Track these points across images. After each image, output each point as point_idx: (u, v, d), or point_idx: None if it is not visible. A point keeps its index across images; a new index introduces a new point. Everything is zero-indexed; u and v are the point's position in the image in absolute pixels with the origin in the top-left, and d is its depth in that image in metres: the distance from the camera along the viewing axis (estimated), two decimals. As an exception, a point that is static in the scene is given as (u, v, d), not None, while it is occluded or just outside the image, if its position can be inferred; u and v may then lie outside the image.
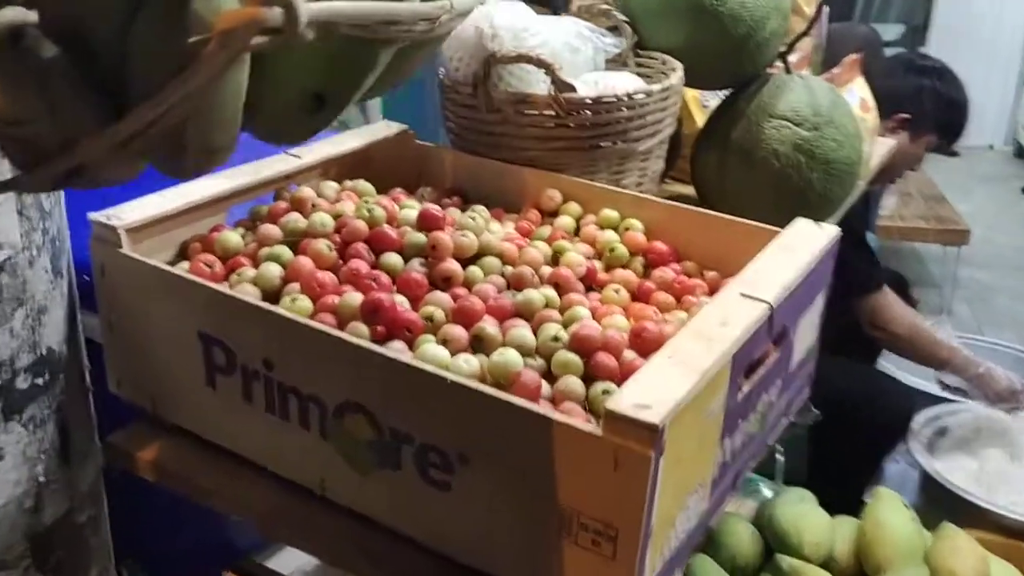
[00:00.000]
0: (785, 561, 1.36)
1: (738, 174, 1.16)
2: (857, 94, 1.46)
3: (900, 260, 4.00)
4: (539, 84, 1.00)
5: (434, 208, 0.82)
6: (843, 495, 1.95)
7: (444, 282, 0.78)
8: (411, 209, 0.84)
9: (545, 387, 0.66)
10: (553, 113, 0.97)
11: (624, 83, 1.04)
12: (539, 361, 0.68)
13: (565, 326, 0.74)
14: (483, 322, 0.71)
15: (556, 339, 0.69)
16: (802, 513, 1.46)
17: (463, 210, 1.00)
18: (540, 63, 0.95)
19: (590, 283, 0.86)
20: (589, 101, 0.97)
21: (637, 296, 0.86)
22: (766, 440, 0.82)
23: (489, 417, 0.60)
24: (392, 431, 0.65)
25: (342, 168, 1.01)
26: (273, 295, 0.75)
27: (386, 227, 0.80)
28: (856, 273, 2.06)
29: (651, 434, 0.55)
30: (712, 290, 0.88)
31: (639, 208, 0.94)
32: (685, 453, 0.61)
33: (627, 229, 0.93)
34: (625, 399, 0.57)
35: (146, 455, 0.78)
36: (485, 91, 0.98)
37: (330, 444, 0.69)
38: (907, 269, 4.01)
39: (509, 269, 0.82)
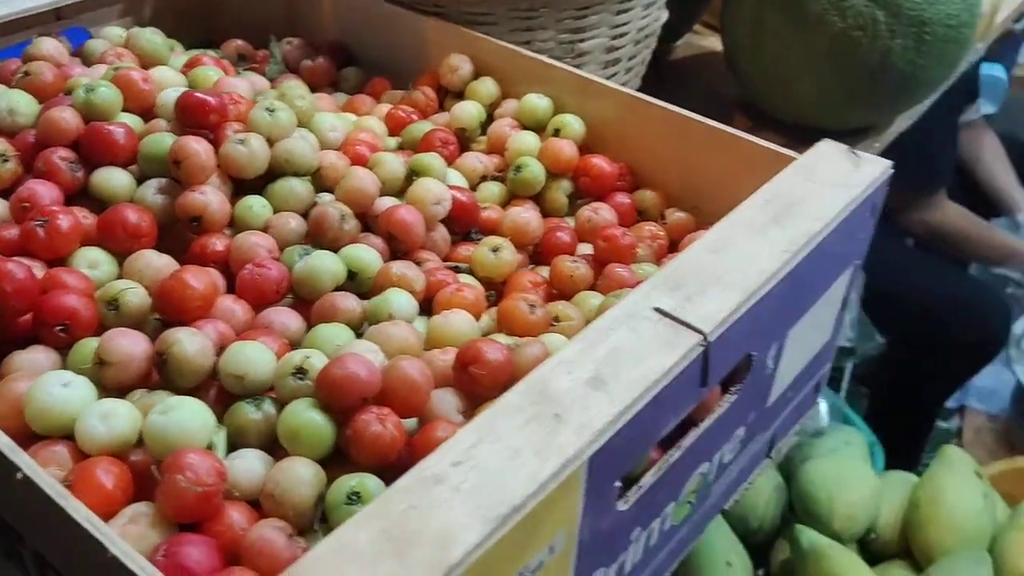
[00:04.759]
0: (805, 535, 1.07)
1: (781, 35, 0.78)
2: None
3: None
4: None
5: (209, 92, 0.50)
6: (916, 419, 1.63)
7: (190, 224, 0.47)
8: (183, 88, 0.52)
9: (250, 476, 0.35)
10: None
11: None
12: (261, 414, 0.38)
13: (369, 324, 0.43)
14: (204, 323, 0.41)
15: (300, 373, 0.38)
16: (839, 473, 1.15)
17: (333, 79, 0.67)
18: None
19: (470, 226, 0.54)
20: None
21: (539, 256, 0.53)
22: (718, 507, 0.51)
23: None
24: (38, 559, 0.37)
25: (160, 5, 0.68)
26: None
27: (113, 124, 0.48)
28: (928, 162, 1.65)
29: None
30: (676, 243, 0.55)
31: (586, 96, 0.59)
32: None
33: (557, 131, 0.59)
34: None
35: None
36: None
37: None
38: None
39: (327, 199, 0.51)
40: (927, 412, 1.84)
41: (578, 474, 0.32)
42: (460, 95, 0.63)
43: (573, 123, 0.58)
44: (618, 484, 0.36)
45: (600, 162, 0.56)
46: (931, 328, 1.71)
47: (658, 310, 0.38)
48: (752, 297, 0.39)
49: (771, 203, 0.45)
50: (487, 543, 0.29)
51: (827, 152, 0.49)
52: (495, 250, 0.49)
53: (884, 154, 1.83)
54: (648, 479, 0.38)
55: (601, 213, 0.54)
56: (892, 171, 0.48)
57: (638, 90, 0.77)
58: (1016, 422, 1.99)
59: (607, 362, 0.35)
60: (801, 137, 0.60)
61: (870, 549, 1.17)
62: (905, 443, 1.69)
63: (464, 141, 0.60)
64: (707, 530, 1.32)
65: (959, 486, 1.13)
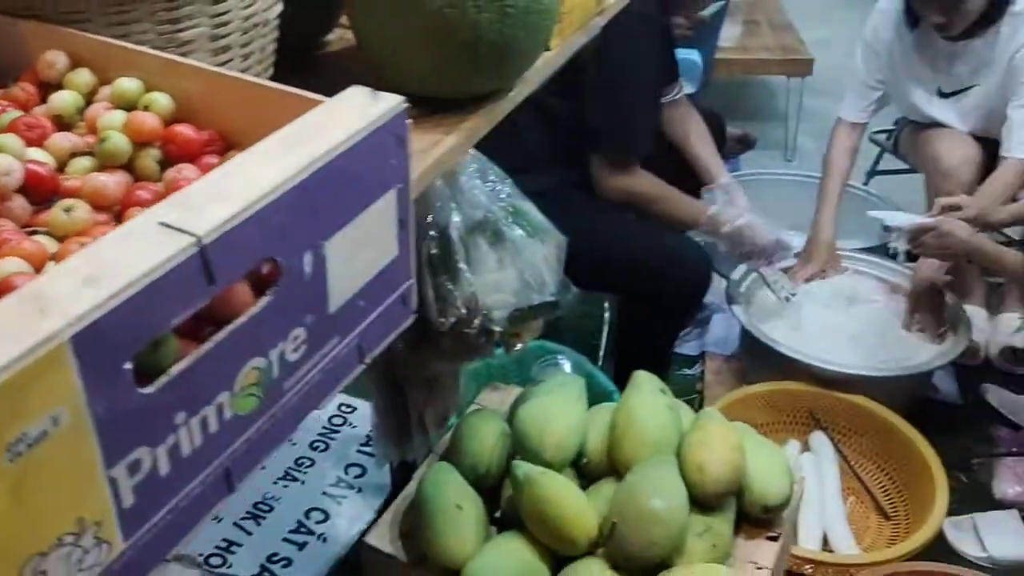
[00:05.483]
0: (521, 468, 1.18)
1: (390, 19, 0.88)
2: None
3: (747, 93, 3.79)
4: None
5: None
6: (652, 365, 1.81)
7: None
8: None
9: None
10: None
11: None
12: None
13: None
14: None
15: None
16: (548, 410, 1.28)
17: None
18: None
19: (50, 196, 0.59)
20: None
21: (123, 214, 0.59)
22: (310, 404, 0.58)
23: None
24: None
25: None
26: None
27: None
28: (626, 133, 1.87)
29: None
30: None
31: (174, 76, 0.66)
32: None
33: (147, 107, 0.65)
34: None
35: None
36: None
37: None
38: (753, 103, 3.80)
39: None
40: (660, 358, 2.04)
41: (60, 354, 0.38)
42: (60, 88, 0.68)
43: (160, 99, 0.65)
44: (128, 367, 0.42)
45: (185, 130, 0.63)
46: (648, 283, 1.90)
47: (162, 223, 0.45)
48: (253, 207, 0.47)
49: (291, 135, 0.53)
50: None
51: (352, 94, 0.58)
52: (67, 210, 0.55)
53: (583, 130, 2.00)
54: (177, 368, 0.45)
55: (184, 172, 0.60)
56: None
57: (274, 79, 0.85)
58: (746, 360, 2.25)
59: (103, 265, 0.42)
60: (431, 108, 0.81)
61: (585, 472, 1.30)
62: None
63: (63, 127, 0.65)
64: (437, 479, 1.42)
65: (647, 404, 1.28)
